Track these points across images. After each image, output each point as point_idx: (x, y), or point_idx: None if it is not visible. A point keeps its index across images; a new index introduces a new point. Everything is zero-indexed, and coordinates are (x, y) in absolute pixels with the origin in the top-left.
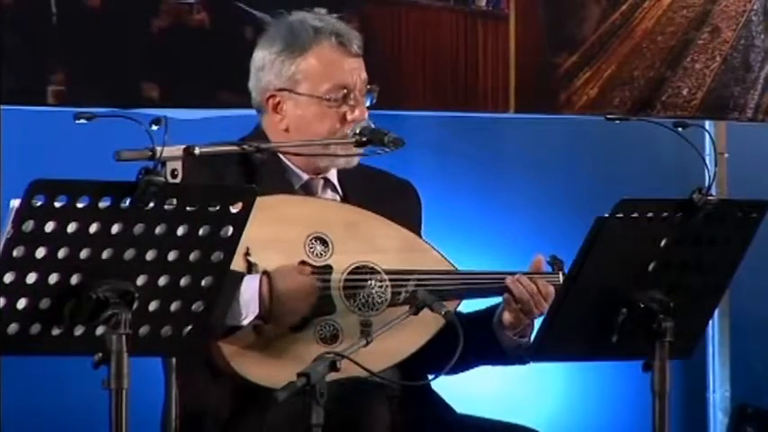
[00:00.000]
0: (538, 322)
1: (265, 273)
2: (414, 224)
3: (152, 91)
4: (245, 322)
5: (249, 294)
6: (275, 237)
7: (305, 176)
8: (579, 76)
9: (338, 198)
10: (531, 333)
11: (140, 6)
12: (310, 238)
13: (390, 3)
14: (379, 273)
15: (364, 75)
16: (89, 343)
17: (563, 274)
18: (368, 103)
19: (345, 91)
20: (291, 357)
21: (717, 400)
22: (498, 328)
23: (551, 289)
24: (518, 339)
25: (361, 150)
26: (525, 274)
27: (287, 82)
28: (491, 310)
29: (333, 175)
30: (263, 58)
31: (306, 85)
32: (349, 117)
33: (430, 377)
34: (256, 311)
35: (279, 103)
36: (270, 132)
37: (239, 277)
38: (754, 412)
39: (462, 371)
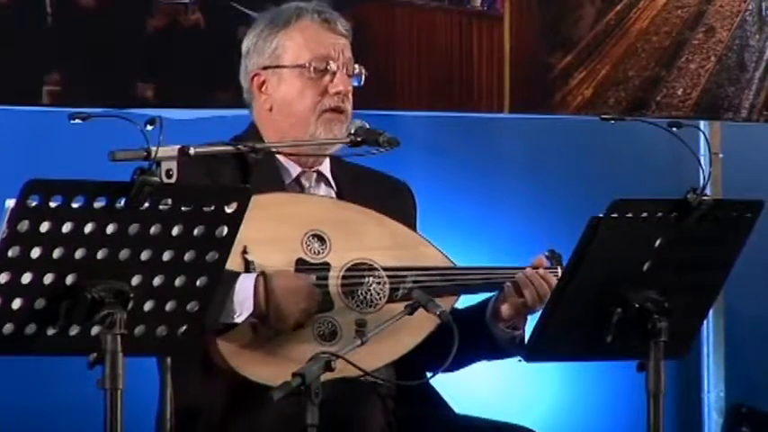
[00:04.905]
0: (532, 319)
1: (262, 273)
2: (408, 225)
3: (147, 91)
4: (239, 320)
5: (244, 293)
6: (273, 235)
7: (297, 170)
8: (574, 76)
9: (332, 193)
10: (524, 325)
11: (135, 6)
12: (308, 235)
13: (385, 3)
14: (377, 270)
15: (349, 54)
16: (84, 343)
17: (561, 267)
18: (355, 84)
19: (327, 62)
20: (290, 355)
21: (711, 401)
22: (492, 321)
23: (554, 281)
24: (511, 332)
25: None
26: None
27: (270, 57)
28: (483, 305)
29: (326, 168)
30: (247, 44)
31: (288, 57)
32: (331, 89)
33: (428, 375)
34: (251, 309)
35: (263, 82)
36: (257, 119)
37: (234, 275)
38: (749, 412)
39: (459, 368)
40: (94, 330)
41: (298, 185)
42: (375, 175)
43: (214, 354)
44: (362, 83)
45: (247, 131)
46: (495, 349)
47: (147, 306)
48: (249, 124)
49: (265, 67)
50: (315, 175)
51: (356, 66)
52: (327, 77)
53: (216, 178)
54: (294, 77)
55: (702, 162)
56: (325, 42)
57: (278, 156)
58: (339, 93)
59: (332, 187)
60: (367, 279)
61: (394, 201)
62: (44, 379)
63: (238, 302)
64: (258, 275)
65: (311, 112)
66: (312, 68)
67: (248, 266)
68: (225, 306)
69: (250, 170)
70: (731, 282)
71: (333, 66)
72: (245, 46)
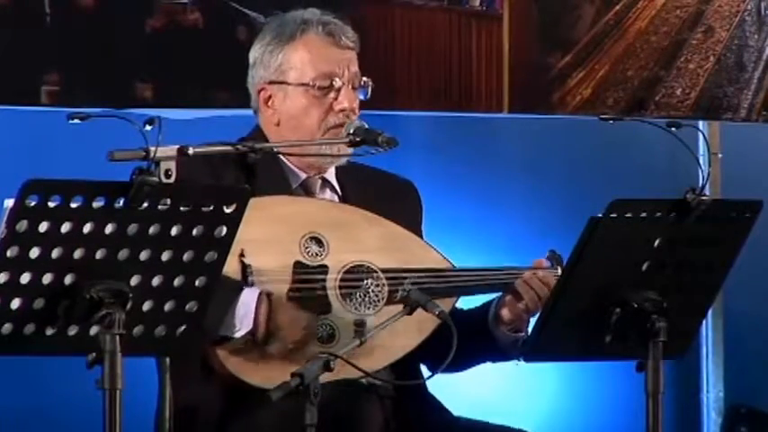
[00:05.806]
0: (533, 319)
1: (267, 296)
2: (414, 224)
3: (146, 91)
4: (238, 335)
5: (245, 309)
6: (270, 237)
7: (302, 176)
8: (573, 76)
9: (337, 197)
10: (526, 327)
11: (134, 6)
12: (305, 238)
13: (384, 3)
14: (375, 272)
15: (355, 68)
16: (83, 343)
17: (562, 268)
18: (361, 97)
19: (332, 80)
20: (288, 358)
21: (710, 401)
22: (494, 324)
23: (554, 282)
24: (514, 335)
25: (350, 151)
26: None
27: (275, 73)
28: (485, 307)
29: (331, 175)
30: (254, 55)
31: (293, 74)
32: (336, 106)
33: (425, 376)
34: (249, 327)
35: (269, 96)
36: (265, 130)
37: (237, 288)
38: (748, 412)
39: (460, 370)
40: (93, 330)
41: (303, 190)
42: (380, 176)
43: (212, 359)
44: (369, 95)
45: (253, 133)
46: (498, 351)
47: (146, 306)
48: (255, 126)
49: (271, 82)
50: (320, 180)
51: (363, 78)
52: (332, 94)
53: (220, 179)
54: (299, 95)
55: (701, 162)
56: (329, 59)
57: (284, 161)
58: (344, 110)
59: (336, 192)
60: (365, 281)
61: (399, 201)
62: (43, 379)
63: (239, 317)
64: (261, 294)
65: (317, 130)
66: (316, 87)
67: (245, 270)
68: (226, 319)
69: (256, 173)
70: (730, 282)
71: (337, 82)
72: (251, 56)
